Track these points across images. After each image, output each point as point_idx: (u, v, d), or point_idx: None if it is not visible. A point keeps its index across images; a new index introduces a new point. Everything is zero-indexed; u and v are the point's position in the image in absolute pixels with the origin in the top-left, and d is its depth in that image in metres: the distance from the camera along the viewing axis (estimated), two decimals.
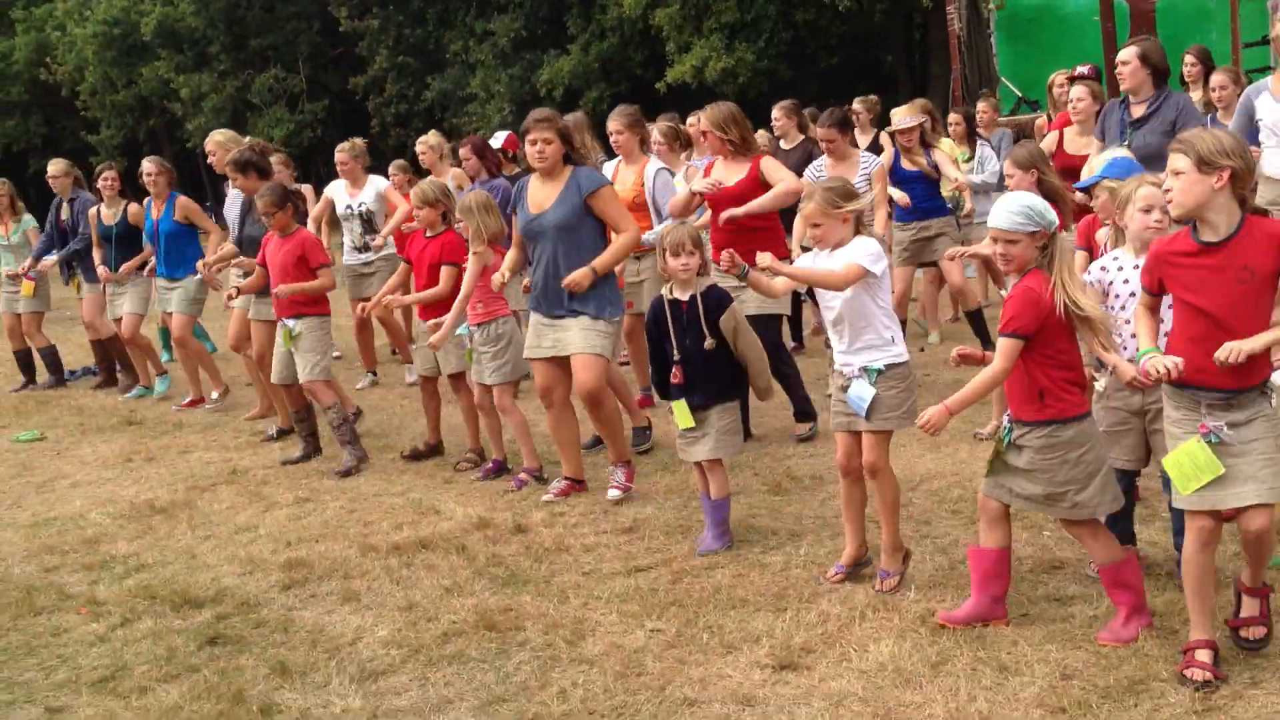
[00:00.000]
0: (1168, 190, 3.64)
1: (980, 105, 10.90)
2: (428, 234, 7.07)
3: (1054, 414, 3.98)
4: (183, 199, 9.49)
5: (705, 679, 4.01)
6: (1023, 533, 5.10)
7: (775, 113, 9.13)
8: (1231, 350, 3.48)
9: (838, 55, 25.59)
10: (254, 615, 4.97)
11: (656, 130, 8.49)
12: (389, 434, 8.17)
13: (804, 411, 7.07)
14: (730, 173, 6.78)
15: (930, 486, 5.85)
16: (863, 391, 4.57)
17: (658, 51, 25.04)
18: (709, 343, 5.24)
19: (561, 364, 6.13)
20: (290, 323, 7.24)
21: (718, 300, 5.31)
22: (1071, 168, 6.94)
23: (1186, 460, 3.63)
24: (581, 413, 6.39)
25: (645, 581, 4.93)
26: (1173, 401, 3.75)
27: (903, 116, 8.55)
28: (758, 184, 6.69)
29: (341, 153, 9.84)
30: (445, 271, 6.82)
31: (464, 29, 29.30)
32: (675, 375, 5.32)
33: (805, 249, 7.95)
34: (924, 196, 8.30)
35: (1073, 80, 8.64)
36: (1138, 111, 6.64)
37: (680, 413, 5.33)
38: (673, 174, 7.70)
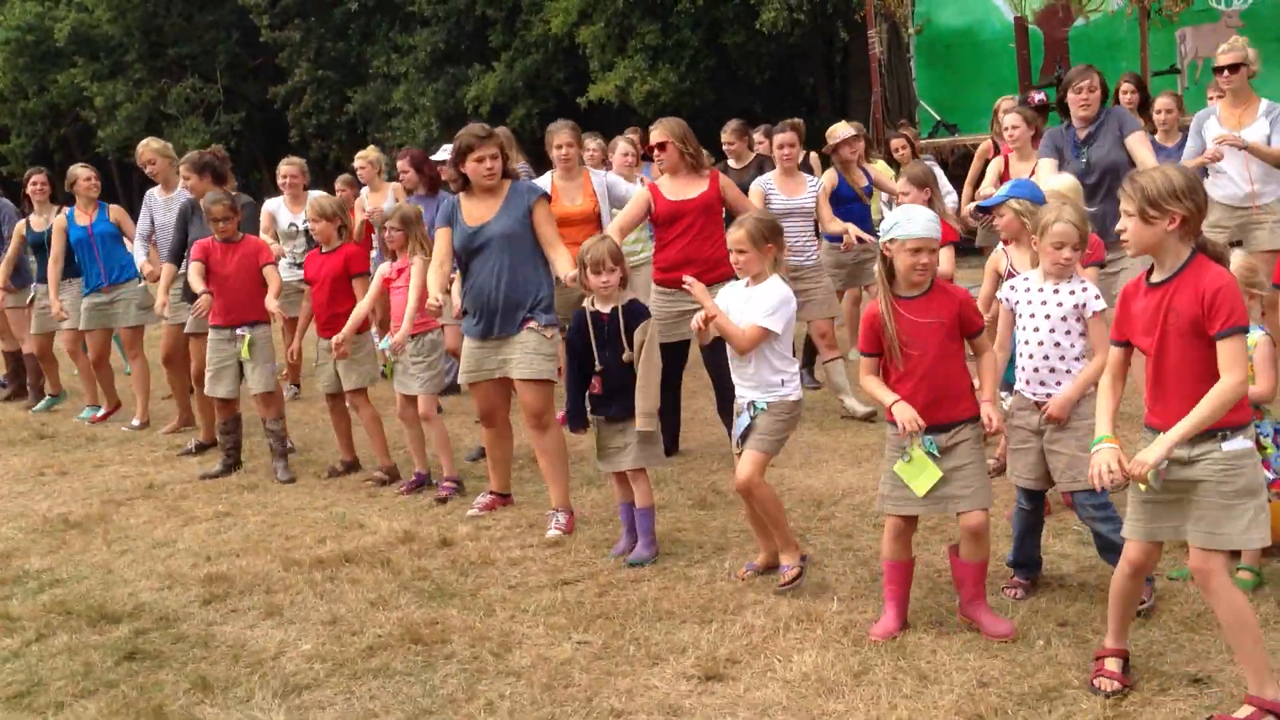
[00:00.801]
0: (1122, 229, 3.61)
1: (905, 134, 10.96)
2: (323, 250, 7.13)
3: (977, 409, 4.27)
4: (112, 204, 9.36)
5: (632, 690, 4.04)
6: (941, 545, 5.22)
7: (727, 135, 8.98)
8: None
9: (761, 79, 25.90)
10: (173, 630, 4.89)
11: (625, 142, 8.47)
12: (310, 448, 8.10)
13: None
14: (686, 187, 6.75)
15: (852, 500, 5.95)
16: (746, 424, 4.81)
17: (581, 69, 25.14)
18: (627, 355, 5.30)
19: (503, 386, 6.05)
20: (245, 332, 7.19)
21: (637, 314, 5.38)
22: None
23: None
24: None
25: (572, 594, 4.95)
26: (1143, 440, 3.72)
27: (845, 128, 8.54)
28: (719, 197, 6.75)
29: (291, 166, 9.54)
30: (359, 284, 6.97)
31: (386, 43, 29.14)
32: (595, 386, 5.38)
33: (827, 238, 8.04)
34: (861, 218, 8.29)
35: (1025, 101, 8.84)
36: (1084, 132, 6.71)
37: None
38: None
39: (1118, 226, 3.65)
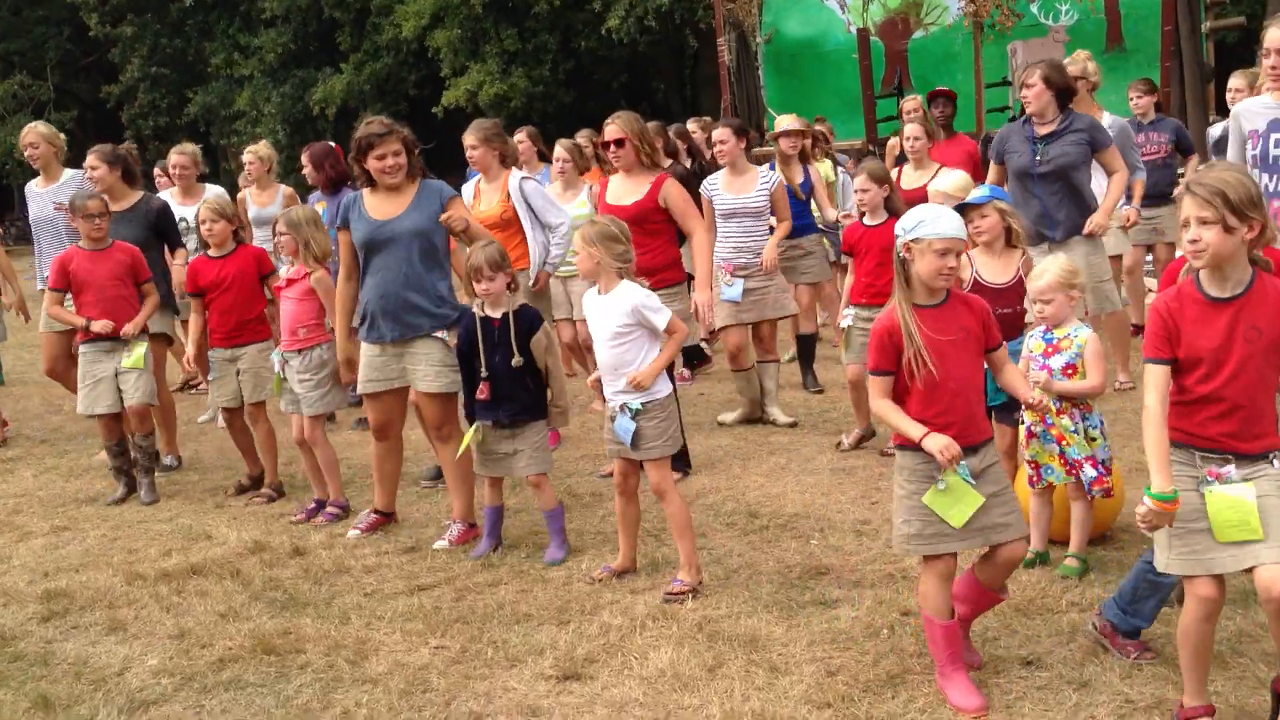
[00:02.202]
0: (1195, 240, 3.27)
1: (823, 130, 11.09)
2: (212, 253, 6.66)
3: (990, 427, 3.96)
4: None
5: (491, 692, 4.06)
6: (792, 542, 5.38)
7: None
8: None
9: (616, 83, 26.16)
10: (10, 649, 4.70)
11: (560, 147, 8.14)
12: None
13: None
14: (629, 191, 6.53)
15: (706, 500, 6.06)
16: (625, 425, 4.82)
17: (433, 72, 24.96)
18: (516, 360, 5.30)
19: (401, 396, 5.80)
20: (135, 342, 6.75)
21: (529, 320, 5.39)
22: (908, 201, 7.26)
23: (1227, 510, 3.29)
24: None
25: (429, 600, 4.93)
26: (1171, 458, 3.40)
27: (790, 121, 8.42)
28: (656, 206, 6.47)
29: (183, 155, 8.92)
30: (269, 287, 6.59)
31: (227, 41, 28.39)
32: (482, 391, 5.35)
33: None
34: (796, 214, 7.91)
35: (933, 96, 8.97)
36: (1045, 129, 6.67)
37: (471, 434, 5.40)
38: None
39: (1190, 236, 3.29)
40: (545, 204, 7.04)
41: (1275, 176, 5.13)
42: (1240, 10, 19.52)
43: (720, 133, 7.49)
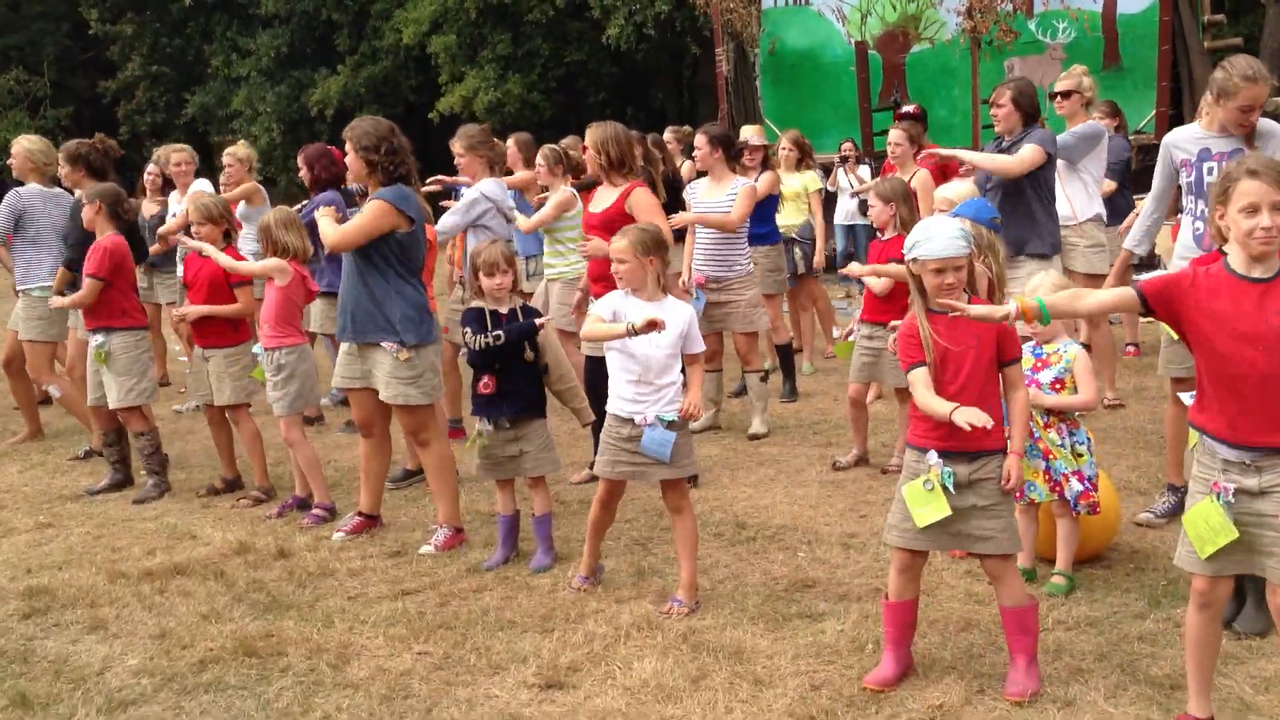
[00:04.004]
0: (1269, 227, 3.17)
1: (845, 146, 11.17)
2: (204, 253, 6.64)
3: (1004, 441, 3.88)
4: None
5: (472, 700, 4.03)
6: (779, 554, 5.36)
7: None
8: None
9: (606, 92, 26.16)
10: None
11: (539, 155, 8.06)
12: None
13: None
14: (605, 197, 6.53)
15: (694, 510, 6.03)
16: (661, 438, 4.66)
17: (431, 77, 24.97)
18: (528, 355, 5.27)
19: (376, 395, 5.76)
20: (99, 339, 6.67)
21: (533, 317, 5.37)
22: None
23: (1201, 521, 3.36)
24: None
25: (413, 605, 4.90)
26: (1198, 453, 3.44)
27: (752, 134, 8.47)
28: (624, 212, 6.31)
29: (181, 153, 8.99)
30: (239, 293, 6.54)
31: (225, 42, 28.39)
32: (487, 385, 5.29)
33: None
34: (753, 222, 7.82)
35: (900, 117, 9.02)
36: (1006, 144, 6.69)
37: (474, 442, 5.37)
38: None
39: (1265, 223, 3.20)
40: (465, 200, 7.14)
41: (1206, 201, 5.18)
42: (1237, 30, 19.59)
43: (697, 139, 7.58)
